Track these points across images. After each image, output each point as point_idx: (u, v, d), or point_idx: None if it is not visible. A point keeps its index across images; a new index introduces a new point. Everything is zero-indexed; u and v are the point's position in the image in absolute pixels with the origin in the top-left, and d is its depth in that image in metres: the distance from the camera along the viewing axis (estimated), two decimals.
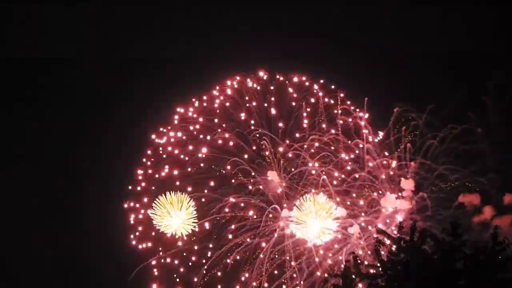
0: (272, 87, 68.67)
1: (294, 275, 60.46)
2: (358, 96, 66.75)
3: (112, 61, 77.53)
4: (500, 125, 61.65)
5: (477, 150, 61.71)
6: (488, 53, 69.39)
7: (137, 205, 67.26)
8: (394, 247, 27.68)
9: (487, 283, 26.53)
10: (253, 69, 69.03)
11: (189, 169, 66.33)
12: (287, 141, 66.05)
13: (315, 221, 60.82)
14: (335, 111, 67.36)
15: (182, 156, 67.18)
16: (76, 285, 70.80)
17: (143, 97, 74.91)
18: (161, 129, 69.69)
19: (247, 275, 61.72)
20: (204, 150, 66.40)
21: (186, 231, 64.04)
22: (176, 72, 75.50)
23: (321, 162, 64.99)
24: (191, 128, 68.78)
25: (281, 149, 65.60)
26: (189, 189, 64.93)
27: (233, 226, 63.45)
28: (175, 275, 64.50)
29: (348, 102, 67.15)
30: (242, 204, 63.99)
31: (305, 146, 65.01)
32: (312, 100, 68.19)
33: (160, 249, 65.65)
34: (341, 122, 66.42)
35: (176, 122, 69.83)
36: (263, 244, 62.11)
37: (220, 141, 66.39)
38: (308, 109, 67.67)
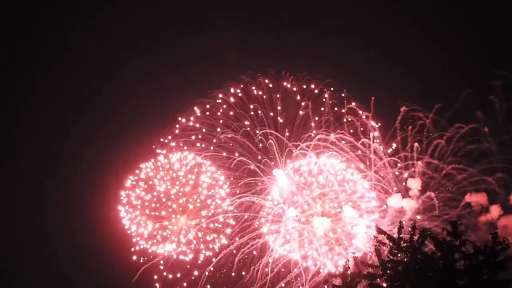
0: (277, 87, 68.64)
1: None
2: (364, 95, 66.65)
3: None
4: (507, 124, 61.41)
5: (484, 150, 61.49)
6: (495, 52, 69.18)
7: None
8: (394, 247, 27.72)
9: (487, 283, 26.57)
10: (259, 69, 68.98)
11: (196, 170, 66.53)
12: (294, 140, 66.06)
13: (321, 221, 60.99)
14: (342, 110, 67.33)
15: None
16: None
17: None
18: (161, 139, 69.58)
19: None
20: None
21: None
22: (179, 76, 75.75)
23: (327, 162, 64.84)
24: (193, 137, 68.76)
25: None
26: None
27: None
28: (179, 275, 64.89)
29: (353, 104, 66.93)
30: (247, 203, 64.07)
31: (312, 145, 64.97)
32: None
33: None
34: (347, 121, 66.35)
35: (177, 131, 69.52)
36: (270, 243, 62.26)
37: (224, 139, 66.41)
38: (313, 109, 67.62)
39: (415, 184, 62.76)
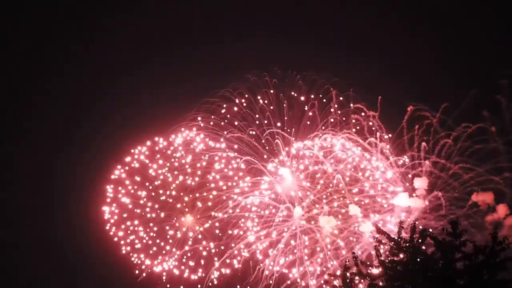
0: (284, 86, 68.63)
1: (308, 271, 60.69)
2: (370, 95, 66.54)
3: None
4: None
5: (491, 149, 61.33)
6: (502, 51, 68.92)
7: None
8: (394, 247, 27.77)
9: (487, 283, 26.58)
10: (265, 68, 68.97)
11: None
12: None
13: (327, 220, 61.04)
14: (348, 108, 67.31)
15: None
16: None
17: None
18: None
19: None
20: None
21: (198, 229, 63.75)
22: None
23: (334, 162, 64.91)
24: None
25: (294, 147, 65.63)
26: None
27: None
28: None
29: (360, 105, 66.86)
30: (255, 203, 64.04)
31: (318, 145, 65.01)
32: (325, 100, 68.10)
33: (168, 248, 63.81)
34: (353, 121, 66.30)
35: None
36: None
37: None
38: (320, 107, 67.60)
39: (421, 183, 62.67)
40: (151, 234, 62.50)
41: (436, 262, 27.22)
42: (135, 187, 63.95)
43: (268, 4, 77.92)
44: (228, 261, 62.73)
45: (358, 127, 65.96)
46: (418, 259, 27.33)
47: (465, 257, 27.03)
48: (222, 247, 63.60)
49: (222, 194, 64.71)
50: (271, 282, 60.93)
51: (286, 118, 67.09)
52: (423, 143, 63.37)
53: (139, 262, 62.12)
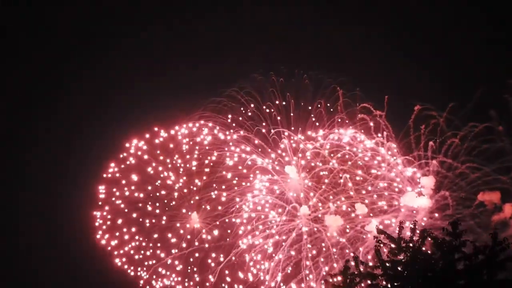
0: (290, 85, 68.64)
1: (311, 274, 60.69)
2: (377, 94, 66.50)
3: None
4: None
5: (498, 148, 61.20)
6: (510, 50, 68.68)
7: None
8: (394, 247, 27.85)
9: (487, 283, 26.61)
10: (272, 68, 69.04)
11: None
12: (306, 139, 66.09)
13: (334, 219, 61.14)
14: (355, 107, 67.33)
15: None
16: None
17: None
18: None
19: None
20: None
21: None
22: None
23: (340, 161, 64.97)
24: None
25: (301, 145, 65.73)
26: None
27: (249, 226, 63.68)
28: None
29: (366, 105, 66.79)
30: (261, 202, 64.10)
31: (325, 144, 65.08)
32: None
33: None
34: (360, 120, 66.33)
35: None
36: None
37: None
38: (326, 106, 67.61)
39: (428, 182, 62.66)
40: (150, 244, 57.56)
41: (436, 262, 27.26)
42: (132, 187, 58.98)
43: (276, 3, 77.97)
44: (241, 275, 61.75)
45: (363, 130, 65.86)
46: (418, 259, 27.37)
47: (465, 257, 27.06)
48: (234, 258, 62.37)
49: (230, 196, 64.76)
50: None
51: (292, 115, 67.26)
52: (431, 142, 63.34)
53: (135, 276, 57.13)
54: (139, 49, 77.16)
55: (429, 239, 27.78)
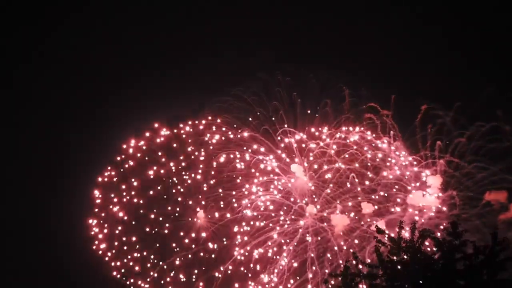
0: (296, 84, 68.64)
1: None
2: (383, 94, 66.45)
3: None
4: None
5: (505, 148, 61.10)
6: None
7: None
8: (394, 247, 27.91)
9: (487, 283, 26.63)
10: (278, 66, 69.05)
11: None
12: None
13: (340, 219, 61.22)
14: (362, 107, 67.34)
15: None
16: None
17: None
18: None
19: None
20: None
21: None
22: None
23: (347, 160, 65.02)
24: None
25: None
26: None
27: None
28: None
29: (373, 104, 66.71)
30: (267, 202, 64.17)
31: (331, 143, 65.13)
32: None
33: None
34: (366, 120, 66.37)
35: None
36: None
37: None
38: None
39: (435, 181, 62.67)
40: (151, 256, 53.62)
41: (436, 262, 27.32)
42: (133, 193, 55.42)
43: (283, 5, 78.01)
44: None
45: (369, 132, 65.78)
46: (418, 259, 27.42)
47: (465, 257, 27.10)
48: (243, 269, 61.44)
49: (236, 195, 64.83)
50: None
51: (298, 115, 67.33)
52: (438, 142, 63.34)
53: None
54: (140, 49, 76.78)
55: (429, 238, 27.84)
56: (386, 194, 63.80)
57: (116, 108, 63.44)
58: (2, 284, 51.70)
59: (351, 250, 60.50)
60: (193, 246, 57.80)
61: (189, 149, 59.95)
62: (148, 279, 52.23)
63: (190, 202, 57.65)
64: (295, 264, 61.37)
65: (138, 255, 52.19)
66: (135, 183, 52.77)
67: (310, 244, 61.44)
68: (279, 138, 66.60)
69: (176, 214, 55.54)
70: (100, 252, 51.36)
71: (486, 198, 59.83)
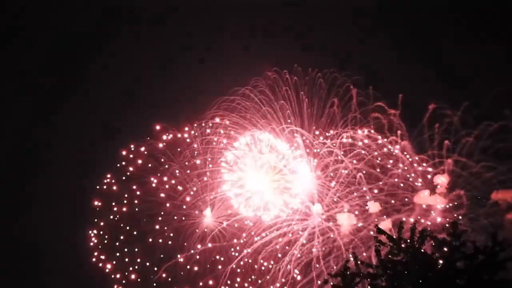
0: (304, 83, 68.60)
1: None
2: (391, 93, 66.38)
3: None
4: None
5: None
6: None
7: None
8: (394, 247, 27.92)
9: (487, 283, 26.59)
10: (286, 66, 68.99)
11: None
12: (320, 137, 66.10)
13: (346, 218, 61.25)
14: (369, 107, 67.24)
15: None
16: None
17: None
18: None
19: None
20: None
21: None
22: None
23: (354, 159, 65.04)
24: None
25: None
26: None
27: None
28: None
29: (381, 103, 66.58)
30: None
31: (338, 143, 65.13)
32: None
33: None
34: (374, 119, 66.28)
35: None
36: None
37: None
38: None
39: (442, 181, 62.60)
40: (155, 268, 50.28)
41: (436, 262, 27.30)
42: (135, 201, 52.45)
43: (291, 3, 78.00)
44: None
45: (376, 132, 65.72)
46: (418, 259, 27.42)
47: (465, 257, 27.07)
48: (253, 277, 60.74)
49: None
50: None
51: (305, 114, 67.27)
52: (446, 141, 63.26)
53: None
54: (143, 48, 77.28)
55: (429, 238, 27.83)
56: (391, 194, 63.72)
57: (116, 113, 63.84)
58: None
59: (351, 251, 60.66)
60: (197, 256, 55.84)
61: (195, 153, 58.82)
62: None
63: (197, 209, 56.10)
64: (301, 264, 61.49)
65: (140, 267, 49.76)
66: (137, 193, 49.61)
67: (316, 244, 61.51)
68: (285, 137, 66.57)
69: (183, 219, 53.59)
70: (100, 265, 48.73)
71: (494, 198, 59.68)
